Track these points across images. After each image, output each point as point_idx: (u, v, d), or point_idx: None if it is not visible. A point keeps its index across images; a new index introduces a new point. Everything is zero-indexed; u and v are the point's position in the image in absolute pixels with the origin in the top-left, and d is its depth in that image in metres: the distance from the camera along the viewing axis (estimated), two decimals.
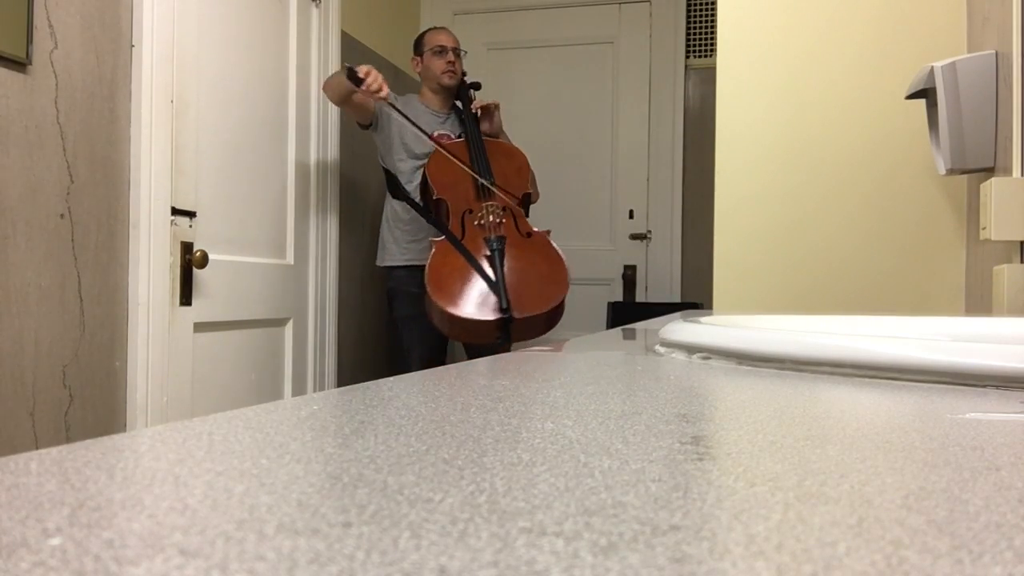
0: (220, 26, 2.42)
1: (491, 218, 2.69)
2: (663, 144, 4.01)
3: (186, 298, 2.27)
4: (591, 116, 4.03)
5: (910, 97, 1.66)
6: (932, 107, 1.62)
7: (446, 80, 2.93)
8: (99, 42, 2.04)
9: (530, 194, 2.86)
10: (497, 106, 2.97)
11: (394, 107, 2.69)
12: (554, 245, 2.72)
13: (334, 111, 3.00)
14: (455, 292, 2.57)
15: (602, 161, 4.01)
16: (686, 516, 0.21)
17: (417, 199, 2.83)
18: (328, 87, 2.80)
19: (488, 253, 2.61)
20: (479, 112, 2.93)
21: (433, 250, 2.66)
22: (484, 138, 2.88)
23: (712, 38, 3.92)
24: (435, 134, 2.86)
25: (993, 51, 1.52)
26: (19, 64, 1.83)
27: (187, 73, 2.26)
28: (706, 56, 3.99)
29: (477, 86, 3.08)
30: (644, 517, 0.21)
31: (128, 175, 2.13)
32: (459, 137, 2.90)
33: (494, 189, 2.72)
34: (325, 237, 2.96)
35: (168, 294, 2.20)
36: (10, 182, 1.81)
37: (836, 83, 1.83)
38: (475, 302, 2.55)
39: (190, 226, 2.27)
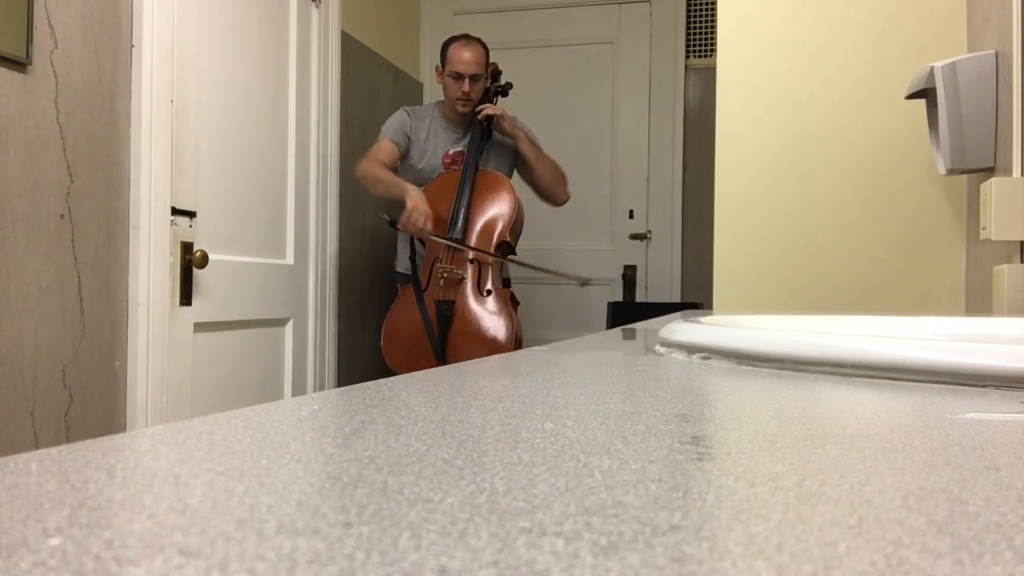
0: (220, 26, 2.42)
1: (449, 273, 2.71)
2: (663, 144, 4.01)
3: (186, 298, 2.27)
4: (591, 116, 4.03)
5: (910, 97, 1.66)
6: (932, 107, 1.62)
7: (459, 108, 2.85)
8: (99, 42, 2.04)
9: (508, 242, 2.79)
10: (503, 116, 2.83)
11: (430, 238, 2.72)
12: (508, 305, 2.71)
13: (334, 111, 3.00)
14: (401, 348, 2.74)
15: (602, 161, 4.01)
16: (686, 516, 0.21)
17: None
18: (365, 180, 2.81)
19: (438, 315, 2.70)
20: (486, 123, 2.82)
21: (399, 294, 2.80)
22: (481, 171, 2.79)
23: (712, 38, 3.92)
24: (450, 152, 2.87)
25: (993, 51, 1.52)
26: (19, 64, 1.83)
27: (187, 73, 2.26)
28: (706, 56, 3.99)
29: (503, 91, 2.97)
30: (644, 517, 0.21)
31: (128, 175, 2.13)
32: (460, 161, 2.83)
33: (458, 247, 2.73)
34: (325, 237, 2.96)
35: (168, 294, 2.20)
36: (10, 182, 1.81)
37: (836, 83, 1.83)
38: (416, 360, 2.67)
39: (190, 226, 2.27)
